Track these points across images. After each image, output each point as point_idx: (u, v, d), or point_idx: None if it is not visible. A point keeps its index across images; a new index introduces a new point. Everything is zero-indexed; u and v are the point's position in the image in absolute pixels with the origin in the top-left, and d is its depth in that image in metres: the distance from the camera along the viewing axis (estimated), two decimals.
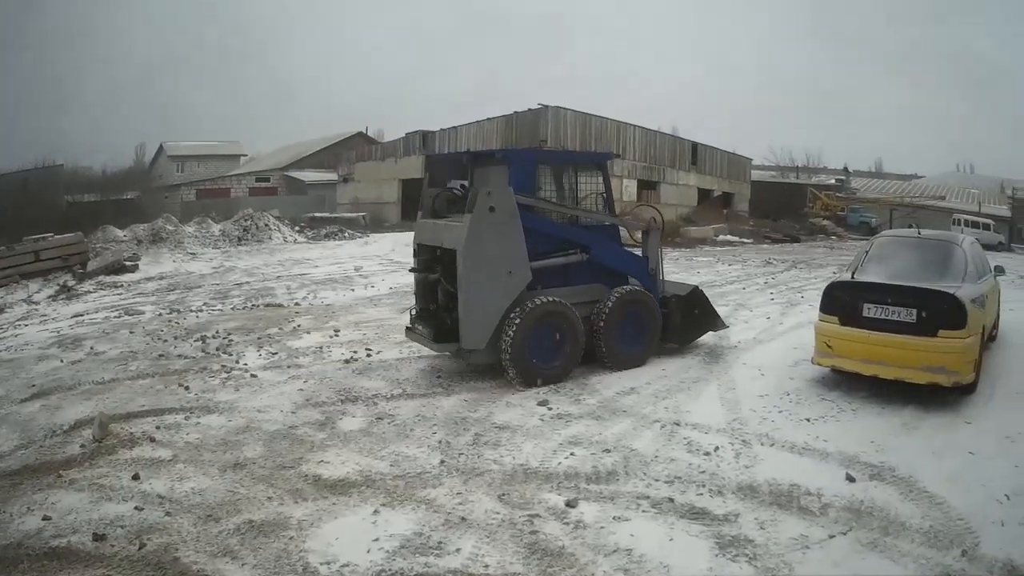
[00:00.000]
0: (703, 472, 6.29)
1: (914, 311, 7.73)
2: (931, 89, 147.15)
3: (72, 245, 23.07)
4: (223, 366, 9.77)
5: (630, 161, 38.50)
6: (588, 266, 9.35)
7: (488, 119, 38.81)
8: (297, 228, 34.58)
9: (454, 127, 41.34)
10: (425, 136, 43.71)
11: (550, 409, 7.89)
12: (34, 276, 21.30)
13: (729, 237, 36.82)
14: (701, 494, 5.89)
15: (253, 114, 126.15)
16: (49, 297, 19.10)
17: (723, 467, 6.40)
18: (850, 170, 66.87)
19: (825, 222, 46.21)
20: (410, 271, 9.64)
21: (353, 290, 17.04)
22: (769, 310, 13.79)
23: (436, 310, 9.09)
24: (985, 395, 8.12)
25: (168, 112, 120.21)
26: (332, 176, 52.82)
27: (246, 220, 32.48)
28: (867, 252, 9.05)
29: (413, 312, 9.52)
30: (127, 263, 23.33)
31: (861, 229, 47.17)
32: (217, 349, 10.68)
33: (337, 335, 11.40)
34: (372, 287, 17.44)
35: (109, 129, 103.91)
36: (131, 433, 7.32)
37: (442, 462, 6.55)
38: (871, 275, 8.47)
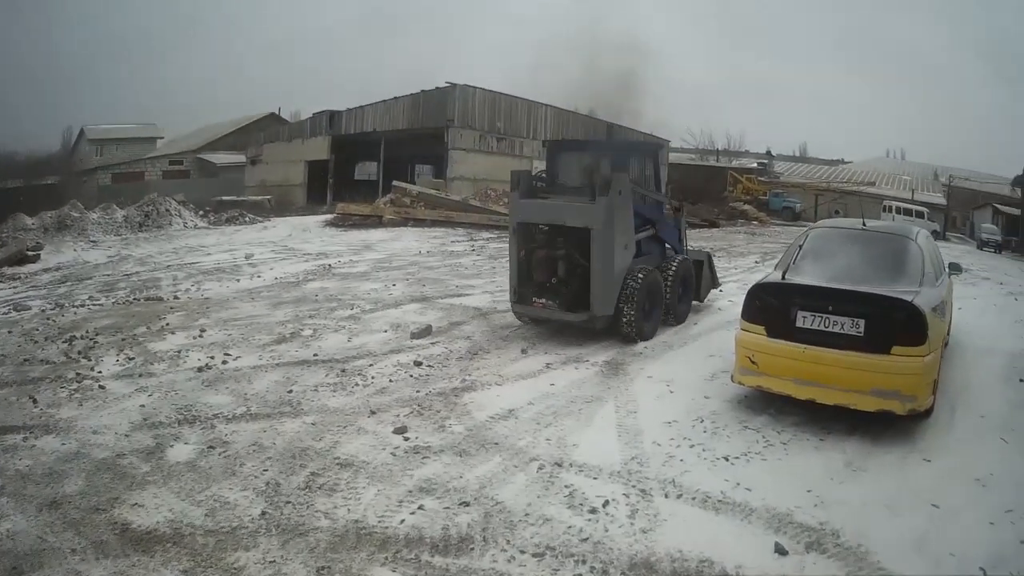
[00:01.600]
0: (585, 539, 4.86)
1: (861, 322, 6.34)
2: (859, 75, 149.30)
3: None
4: (78, 374, 8.65)
5: (540, 141, 37.34)
6: (652, 239, 10.68)
7: (395, 98, 37.82)
8: (201, 213, 33.39)
9: (360, 107, 40.13)
10: (332, 116, 42.28)
11: (406, 439, 6.51)
12: None
13: None
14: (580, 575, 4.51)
15: (176, 96, 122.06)
16: None
17: (613, 532, 4.95)
18: (773, 154, 66.80)
19: (746, 207, 45.18)
20: (519, 249, 9.93)
21: (239, 280, 15.87)
22: None
23: (557, 283, 9.60)
24: (944, 421, 6.72)
25: (95, 96, 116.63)
26: (243, 158, 51.17)
27: (148, 206, 31.39)
28: (800, 247, 7.57)
29: (514, 290, 9.99)
30: (29, 253, 21.78)
31: (784, 214, 46.94)
32: (79, 353, 9.60)
33: (202, 335, 10.30)
34: (259, 277, 16.28)
35: (40, 114, 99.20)
36: None
37: (263, 513, 5.41)
38: (807, 275, 7.02)
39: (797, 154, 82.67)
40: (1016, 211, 45.55)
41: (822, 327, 6.44)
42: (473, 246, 21.58)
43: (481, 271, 15.78)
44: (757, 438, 6.29)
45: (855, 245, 7.36)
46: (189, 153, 59.41)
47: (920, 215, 43.56)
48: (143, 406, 7.53)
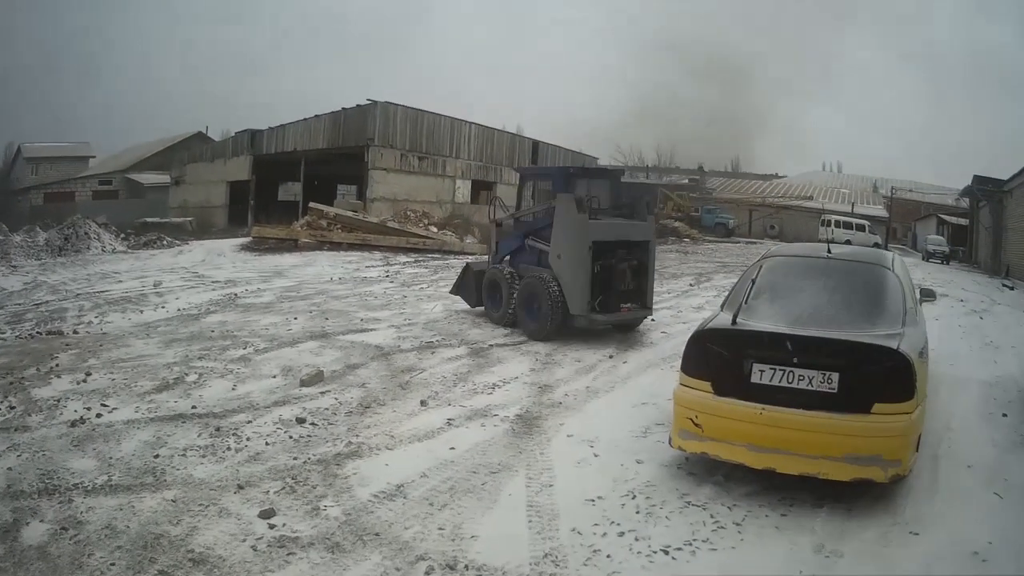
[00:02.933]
0: None
1: (835, 376, 5.18)
2: (791, 89, 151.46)
3: None
4: None
5: (464, 160, 37.16)
6: None
7: (316, 116, 36.52)
8: (122, 236, 32.11)
9: (282, 125, 38.68)
10: (254, 135, 40.79)
11: (272, 527, 5.33)
12: None
13: None
14: None
15: (112, 112, 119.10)
16: None
17: None
18: (705, 169, 66.82)
19: (677, 224, 44.77)
20: (600, 264, 10.98)
21: (142, 312, 14.75)
22: (608, 340, 11.18)
23: (633, 289, 11.22)
24: (927, 479, 5.64)
25: (39, 114, 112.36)
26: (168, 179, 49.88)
27: (68, 228, 30.18)
28: (753, 281, 6.37)
29: (595, 300, 10.94)
30: None
31: (718, 231, 46.69)
32: None
33: (86, 380, 9.24)
34: (163, 308, 15.17)
35: None
36: None
37: None
38: (763, 318, 5.80)
39: (729, 169, 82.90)
40: (963, 221, 45.72)
41: (784, 383, 5.31)
42: (387, 271, 20.55)
43: (391, 301, 14.67)
44: (703, 518, 5.07)
45: (820, 278, 6.27)
46: (118, 173, 58.48)
47: (861, 228, 43.75)
48: (10, 469, 6.64)
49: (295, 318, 12.79)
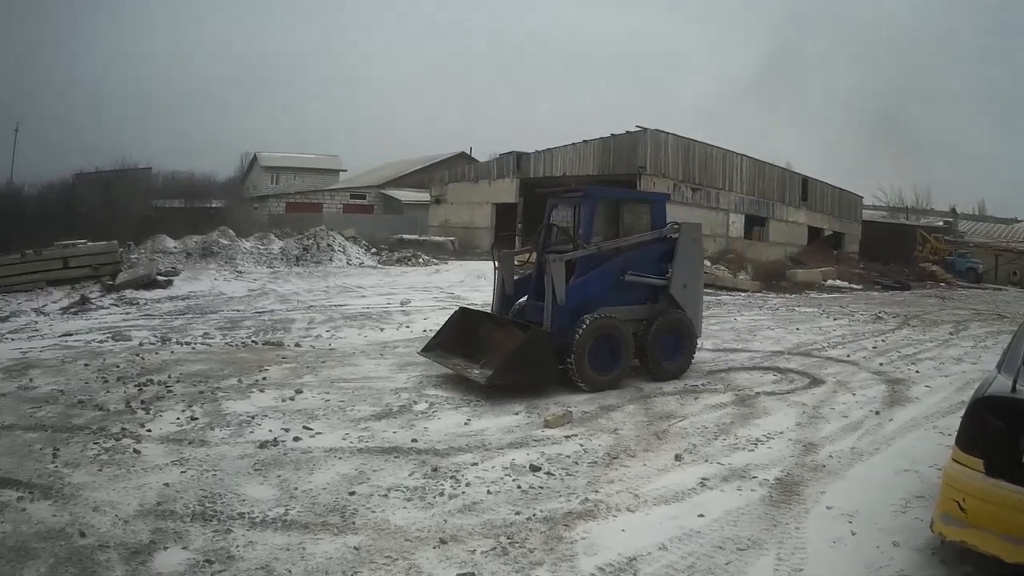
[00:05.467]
0: None
1: None
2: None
3: (104, 254, 22.42)
4: (123, 429, 7.89)
5: (736, 194, 36.43)
6: None
7: (584, 141, 37.24)
8: (373, 251, 33.06)
9: (549, 149, 39.83)
10: (520, 157, 42.12)
11: None
12: (63, 283, 20.86)
13: (837, 282, 34.00)
14: None
15: (356, 130, 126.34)
16: (62, 309, 18.25)
17: None
18: (958, 212, 62.48)
19: (935, 268, 42.88)
20: None
21: (382, 330, 14.92)
22: (874, 393, 10.50)
23: None
24: None
25: (274, 123, 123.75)
26: (428, 197, 51.41)
27: (308, 239, 31.04)
28: None
29: None
30: (159, 277, 22.37)
31: (968, 276, 43.90)
32: (143, 403, 8.94)
33: (294, 398, 9.31)
34: (406, 327, 15.27)
35: (218, 137, 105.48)
36: None
37: None
38: None
39: (976, 212, 76.64)
40: None
41: None
42: None
43: None
44: None
45: None
46: (372, 188, 60.20)
47: None
48: (167, 485, 6.45)
49: None
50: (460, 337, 10.97)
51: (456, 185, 47.28)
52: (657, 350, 10.70)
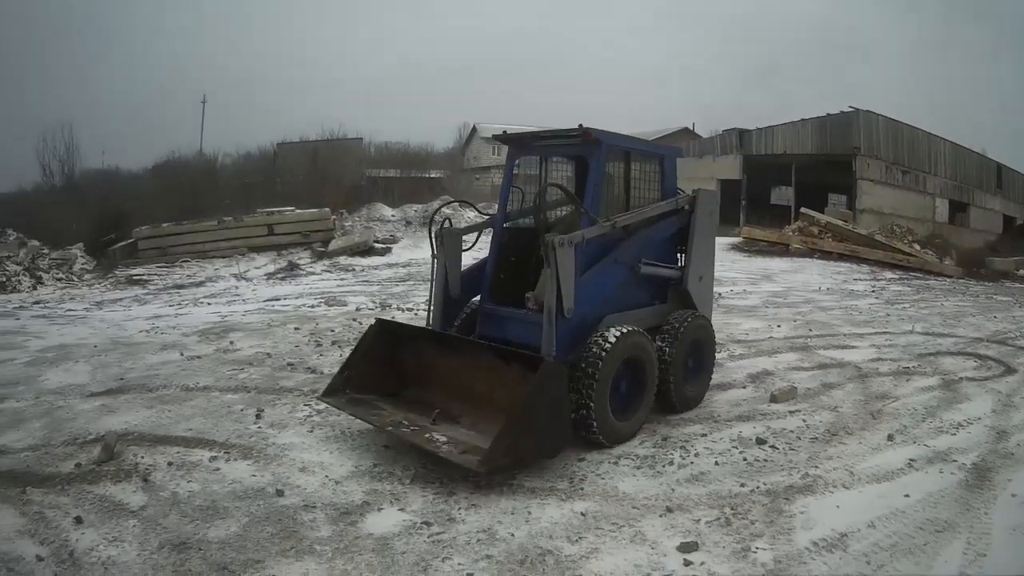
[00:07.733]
0: None
1: None
2: None
3: (314, 221, 22.44)
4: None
5: (940, 179, 34.31)
6: None
7: (802, 120, 35.93)
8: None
9: (770, 126, 38.20)
10: (742, 134, 40.42)
11: (687, 563, 4.76)
12: (267, 250, 21.04)
13: None
14: None
15: (581, 103, 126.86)
16: (267, 275, 18.55)
17: None
18: None
19: None
20: None
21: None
22: None
23: None
24: None
25: (488, 98, 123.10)
26: None
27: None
28: None
29: None
30: (377, 244, 22.24)
31: None
32: None
33: None
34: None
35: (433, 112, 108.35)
36: (135, 463, 6.02)
37: None
38: None
39: None
40: None
41: None
42: (874, 287, 19.44)
43: (875, 318, 13.91)
44: None
45: None
46: None
47: None
48: (386, 447, 6.39)
49: (778, 325, 12.42)
50: (383, 368, 7.16)
51: (680, 160, 46.53)
52: (679, 371, 7.48)
